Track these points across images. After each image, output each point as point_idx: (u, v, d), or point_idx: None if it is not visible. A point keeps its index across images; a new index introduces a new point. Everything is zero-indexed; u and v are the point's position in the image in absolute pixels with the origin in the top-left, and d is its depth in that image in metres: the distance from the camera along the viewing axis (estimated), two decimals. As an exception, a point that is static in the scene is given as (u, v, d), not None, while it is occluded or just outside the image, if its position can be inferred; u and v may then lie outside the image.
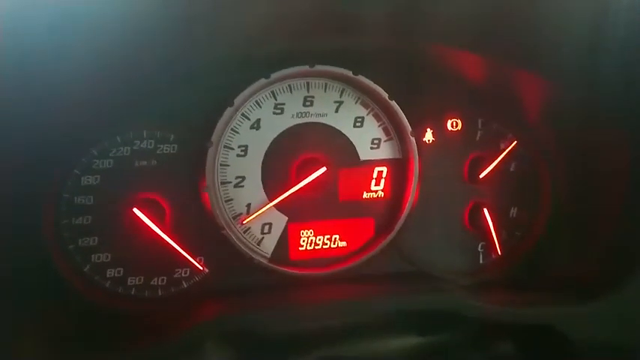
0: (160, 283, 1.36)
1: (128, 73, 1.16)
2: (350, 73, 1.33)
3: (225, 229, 1.32)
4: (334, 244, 1.43)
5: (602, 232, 1.36)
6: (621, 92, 1.20)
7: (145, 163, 1.33)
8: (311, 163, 1.37)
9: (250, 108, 1.35)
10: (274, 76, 1.31)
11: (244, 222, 1.36)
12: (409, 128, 1.38)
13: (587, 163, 1.40)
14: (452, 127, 1.46)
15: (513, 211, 1.50)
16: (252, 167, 1.36)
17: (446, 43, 1.26)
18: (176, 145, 1.34)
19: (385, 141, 1.43)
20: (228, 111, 1.30)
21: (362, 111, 1.41)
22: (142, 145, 1.32)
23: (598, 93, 1.23)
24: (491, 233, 1.46)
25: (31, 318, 1.15)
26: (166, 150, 1.34)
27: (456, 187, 1.47)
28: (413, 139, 1.39)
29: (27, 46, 0.94)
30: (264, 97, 1.35)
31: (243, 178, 1.36)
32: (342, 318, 1.28)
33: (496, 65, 1.32)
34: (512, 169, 1.49)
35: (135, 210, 1.29)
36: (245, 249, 1.35)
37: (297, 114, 1.37)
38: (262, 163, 1.37)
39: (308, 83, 1.37)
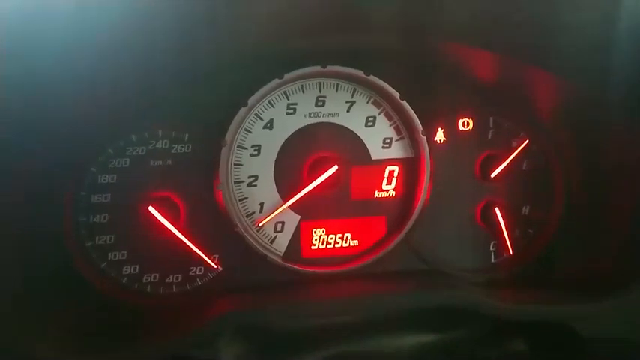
0: (175, 280, 1.38)
1: (143, 74, 1.18)
2: (362, 73, 1.34)
3: (239, 228, 1.34)
4: (346, 242, 1.44)
5: (614, 230, 1.35)
6: (633, 89, 1.20)
7: (160, 162, 1.35)
8: (323, 163, 1.39)
9: (263, 108, 1.37)
10: (287, 76, 1.32)
11: (260, 224, 1.38)
12: (420, 128, 1.39)
13: (600, 162, 1.39)
14: (463, 126, 1.47)
15: (525, 210, 1.50)
16: (265, 167, 1.38)
17: (457, 42, 1.26)
18: (190, 145, 1.36)
19: (397, 140, 1.44)
20: (242, 111, 1.32)
21: (373, 110, 1.42)
22: (157, 145, 1.35)
23: (610, 90, 1.23)
24: (502, 232, 1.46)
25: (48, 314, 1.17)
26: (181, 150, 1.36)
27: (467, 185, 1.47)
28: (424, 138, 1.39)
29: (43, 46, 0.96)
30: (277, 97, 1.37)
31: (256, 177, 1.38)
32: (354, 315, 1.29)
33: (507, 64, 1.32)
34: (524, 168, 1.50)
35: (150, 208, 1.32)
36: (258, 247, 1.36)
37: (310, 114, 1.39)
38: (275, 163, 1.38)
39: (320, 83, 1.39)
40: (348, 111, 1.40)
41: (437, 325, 1.33)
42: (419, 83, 1.40)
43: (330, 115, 1.40)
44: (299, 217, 1.41)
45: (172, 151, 1.35)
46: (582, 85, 1.27)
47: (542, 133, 1.48)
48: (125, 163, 1.33)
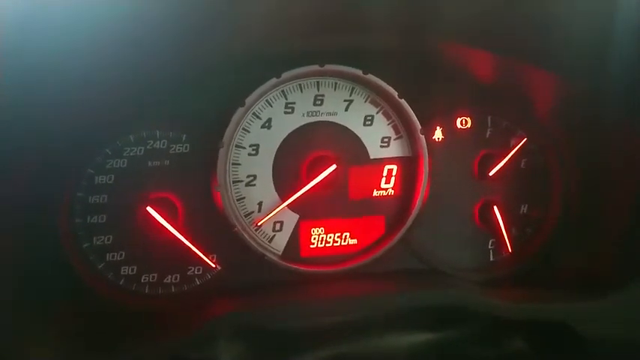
0: (173, 281, 1.37)
1: (141, 74, 1.18)
2: (360, 72, 1.34)
3: (237, 227, 1.34)
4: (345, 241, 1.44)
5: (613, 229, 1.36)
6: (632, 88, 1.20)
7: (157, 162, 1.35)
8: (321, 162, 1.38)
9: (261, 107, 1.36)
10: (285, 75, 1.32)
11: (259, 223, 1.38)
12: (419, 126, 1.38)
13: (598, 160, 1.40)
14: (461, 124, 1.47)
15: (524, 208, 1.50)
16: (263, 166, 1.37)
17: (455, 40, 1.26)
18: (188, 145, 1.36)
19: (395, 139, 1.43)
20: (240, 110, 1.31)
21: (372, 109, 1.41)
22: (154, 145, 1.34)
23: (608, 89, 1.23)
24: (501, 230, 1.46)
25: (45, 315, 1.16)
26: (179, 149, 1.35)
27: (465, 184, 1.47)
28: (422, 137, 1.39)
29: (40, 47, 0.95)
30: (275, 97, 1.37)
31: (255, 176, 1.38)
32: (353, 315, 1.29)
33: (505, 62, 1.32)
34: (522, 166, 1.50)
35: (148, 209, 1.31)
36: (257, 246, 1.36)
37: (308, 113, 1.38)
38: (273, 162, 1.38)
39: (318, 82, 1.38)
40: (346, 110, 1.40)
41: (435, 324, 1.33)
42: (417, 82, 1.40)
43: (328, 114, 1.39)
44: (298, 216, 1.41)
45: (170, 151, 1.35)
46: (581, 83, 1.27)
47: (541, 131, 1.48)
48: (123, 164, 1.33)
